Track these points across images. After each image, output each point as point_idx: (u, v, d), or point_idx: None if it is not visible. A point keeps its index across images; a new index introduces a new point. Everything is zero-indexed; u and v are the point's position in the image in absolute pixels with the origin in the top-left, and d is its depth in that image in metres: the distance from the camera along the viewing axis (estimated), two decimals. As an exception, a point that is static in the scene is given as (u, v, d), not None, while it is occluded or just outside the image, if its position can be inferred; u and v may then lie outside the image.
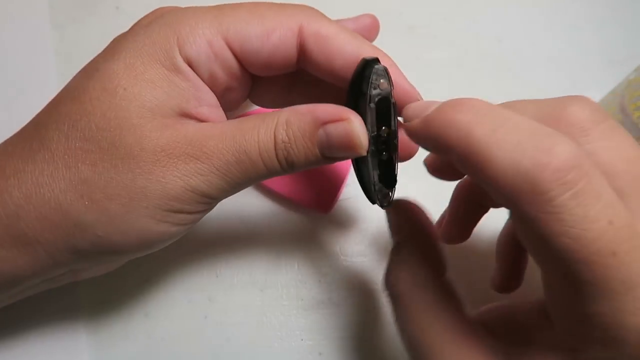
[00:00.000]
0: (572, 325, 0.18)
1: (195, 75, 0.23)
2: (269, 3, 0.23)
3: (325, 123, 0.21)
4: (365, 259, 0.32)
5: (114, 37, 0.39)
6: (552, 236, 0.16)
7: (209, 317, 0.31)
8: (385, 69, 0.21)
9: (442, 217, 0.29)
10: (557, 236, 0.16)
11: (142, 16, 0.39)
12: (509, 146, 0.16)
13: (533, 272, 0.22)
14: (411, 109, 0.20)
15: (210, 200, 0.23)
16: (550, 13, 0.39)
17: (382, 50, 0.24)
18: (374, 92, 0.21)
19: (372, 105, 0.21)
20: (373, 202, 0.23)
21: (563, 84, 0.37)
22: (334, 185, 0.32)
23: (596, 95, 0.35)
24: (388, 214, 0.25)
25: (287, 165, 0.22)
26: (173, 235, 0.23)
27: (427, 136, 0.19)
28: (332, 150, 0.22)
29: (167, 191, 0.21)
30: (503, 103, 0.20)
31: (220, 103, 0.24)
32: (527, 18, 0.39)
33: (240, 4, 0.23)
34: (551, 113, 0.19)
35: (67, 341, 0.30)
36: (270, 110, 0.24)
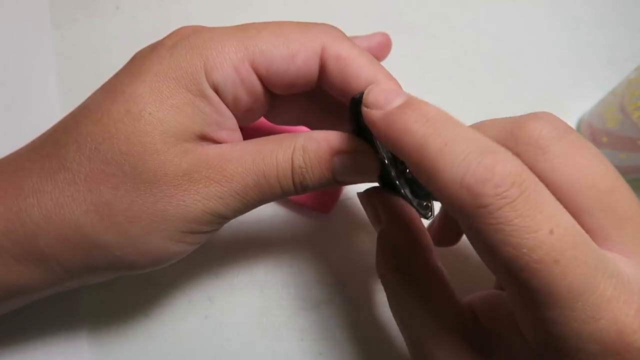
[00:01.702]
0: (534, 335, 0.18)
1: (220, 100, 0.23)
2: (292, 23, 0.24)
3: (340, 152, 0.22)
4: (366, 259, 0.32)
5: (114, 36, 0.39)
6: (495, 245, 0.16)
7: (209, 317, 0.31)
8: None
9: (433, 220, 0.29)
10: (500, 245, 0.16)
11: (141, 16, 0.39)
12: (456, 161, 0.17)
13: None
14: (373, 95, 0.20)
15: (225, 220, 0.23)
16: (550, 13, 0.39)
17: (394, 78, 0.24)
18: None
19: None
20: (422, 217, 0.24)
21: (563, 84, 0.37)
22: (334, 185, 0.32)
23: (596, 95, 0.35)
24: (364, 205, 0.25)
25: (301, 188, 0.23)
26: (186, 253, 0.24)
27: (385, 137, 0.19)
28: (344, 177, 0.23)
29: (187, 214, 0.22)
30: (475, 123, 0.21)
31: (237, 121, 0.24)
32: (527, 18, 0.39)
33: (265, 24, 0.23)
34: (511, 132, 0.20)
35: (68, 341, 0.30)
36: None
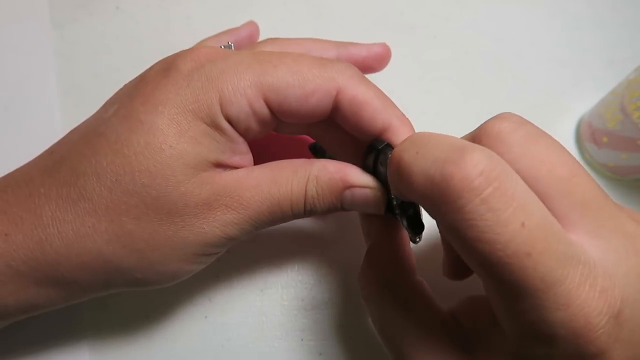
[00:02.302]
0: (509, 324, 0.18)
1: (233, 130, 0.23)
2: (309, 59, 0.24)
3: (352, 186, 0.24)
4: (366, 259, 0.32)
5: (114, 36, 0.39)
6: (469, 242, 0.17)
7: (209, 317, 0.31)
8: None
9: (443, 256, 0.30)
10: (474, 242, 0.16)
11: (141, 16, 0.39)
12: (426, 163, 0.18)
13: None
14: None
15: (236, 241, 0.24)
16: (550, 13, 0.39)
17: (408, 120, 0.24)
18: None
19: None
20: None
21: (563, 84, 0.37)
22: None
23: (596, 95, 0.35)
24: (361, 218, 0.27)
25: (309, 213, 0.24)
26: (197, 270, 0.25)
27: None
28: (353, 208, 0.24)
29: (205, 240, 0.23)
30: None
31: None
32: (527, 18, 0.39)
33: (282, 57, 0.23)
34: (473, 135, 0.20)
35: (68, 341, 0.30)
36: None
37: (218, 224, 0.23)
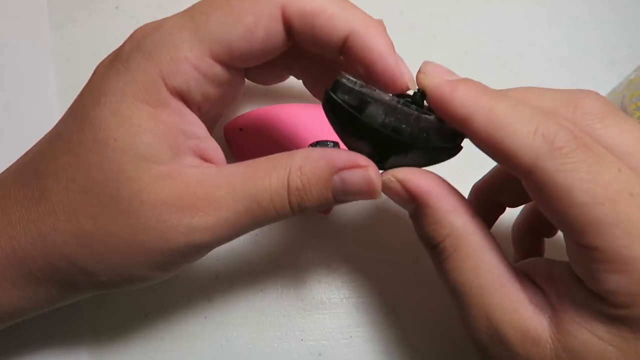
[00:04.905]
0: (602, 277, 0.18)
1: (184, 106, 0.22)
2: None
3: (340, 169, 0.21)
4: (366, 259, 0.32)
5: (114, 36, 0.39)
6: (572, 183, 0.18)
7: (209, 318, 0.31)
8: (352, 74, 0.21)
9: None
10: (577, 181, 0.18)
11: (141, 16, 0.39)
12: (528, 117, 0.19)
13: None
14: (431, 65, 0.21)
15: (212, 248, 0.22)
16: (550, 13, 0.39)
17: (373, 19, 0.22)
18: (365, 89, 0.21)
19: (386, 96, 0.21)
20: (449, 155, 0.22)
21: (563, 84, 0.37)
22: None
23: (596, 95, 0.35)
24: (388, 194, 0.23)
25: (298, 210, 0.22)
26: (171, 275, 0.24)
27: (450, 104, 0.20)
28: (347, 196, 0.22)
29: (169, 247, 0.21)
30: (522, 87, 0.22)
31: (220, 103, 0.24)
32: (527, 18, 0.39)
33: (211, 2, 0.22)
34: (567, 101, 0.21)
35: (66, 340, 0.30)
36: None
37: (183, 229, 0.20)
